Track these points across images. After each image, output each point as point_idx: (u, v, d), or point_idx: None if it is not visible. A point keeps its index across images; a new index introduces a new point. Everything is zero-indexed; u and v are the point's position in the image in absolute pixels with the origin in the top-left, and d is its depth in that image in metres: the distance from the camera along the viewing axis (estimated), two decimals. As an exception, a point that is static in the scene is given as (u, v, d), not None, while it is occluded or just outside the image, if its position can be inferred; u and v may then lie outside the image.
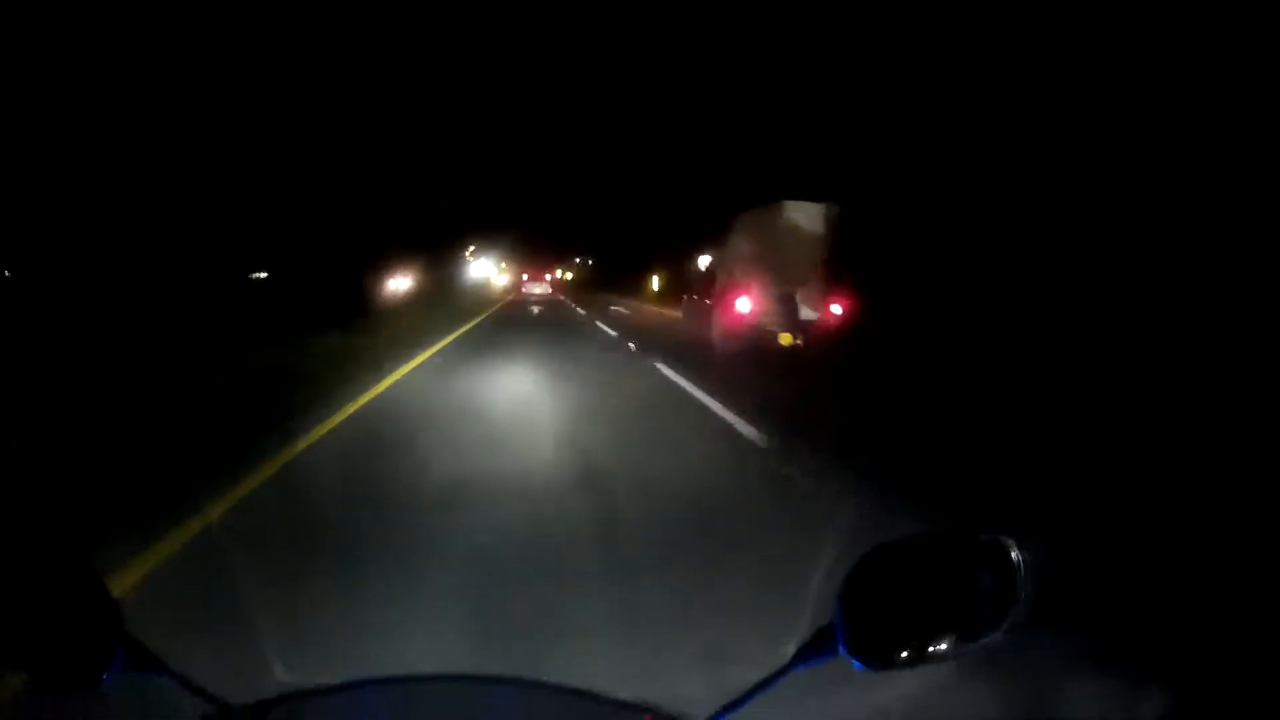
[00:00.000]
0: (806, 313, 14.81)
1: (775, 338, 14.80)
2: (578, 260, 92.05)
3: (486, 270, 54.96)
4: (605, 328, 22.12)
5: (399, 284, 29.61)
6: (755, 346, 14.56)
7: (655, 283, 45.63)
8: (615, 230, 62.64)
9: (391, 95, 30.74)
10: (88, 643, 0.99)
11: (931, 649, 1.02)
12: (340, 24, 26.07)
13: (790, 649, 1.05)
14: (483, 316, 27.19)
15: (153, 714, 1.45)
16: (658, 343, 17.06)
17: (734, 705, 1.09)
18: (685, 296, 21.16)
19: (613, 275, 60.17)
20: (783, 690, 1.05)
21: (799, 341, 14.73)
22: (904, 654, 1.01)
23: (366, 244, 24.29)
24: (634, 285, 49.71)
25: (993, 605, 1.02)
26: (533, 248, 72.81)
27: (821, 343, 14.63)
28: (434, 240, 35.98)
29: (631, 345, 16.78)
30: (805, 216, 14.86)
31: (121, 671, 0.99)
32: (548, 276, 62.20)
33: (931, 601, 1.04)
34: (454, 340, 17.44)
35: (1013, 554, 1.04)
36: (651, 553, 4.09)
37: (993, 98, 15.68)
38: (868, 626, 1.01)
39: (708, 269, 18.93)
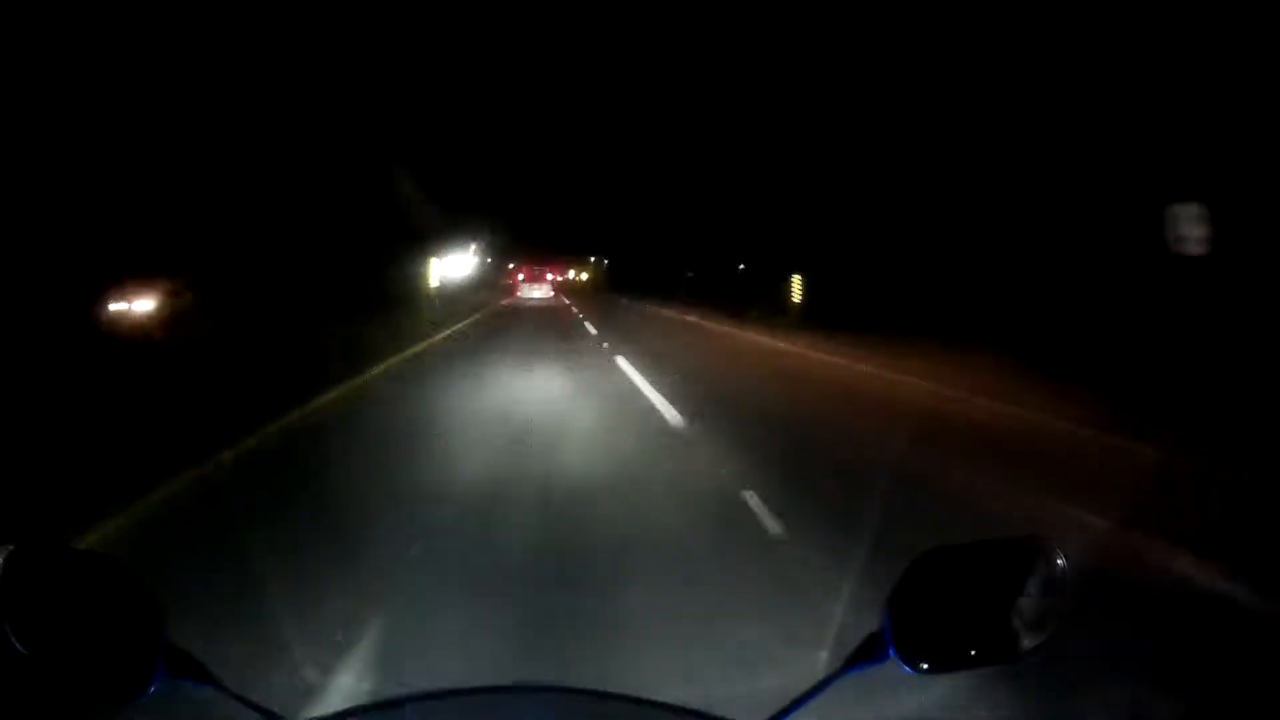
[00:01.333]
0: None
1: None
2: (592, 259, 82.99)
3: (461, 267, 38.53)
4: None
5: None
6: None
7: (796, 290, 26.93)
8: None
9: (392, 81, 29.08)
10: (133, 652, 0.97)
11: (981, 652, 1.05)
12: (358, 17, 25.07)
13: (824, 655, 0.99)
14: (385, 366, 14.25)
15: None
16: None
17: (785, 713, 1.08)
18: None
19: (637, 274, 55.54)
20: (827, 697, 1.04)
21: None
22: (954, 657, 1.05)
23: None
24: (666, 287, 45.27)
25: (1039, 607, 1.04)
26: (535, 244, 64.44)
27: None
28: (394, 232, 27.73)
29: None
30: None
31: (166, 680, 0.97)
32: (550, 277, 47.50)
33: (979, 605, 1.05)
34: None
35: (1057, 557, 1.06)
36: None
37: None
38: (917, 631, 1.03)
39: None
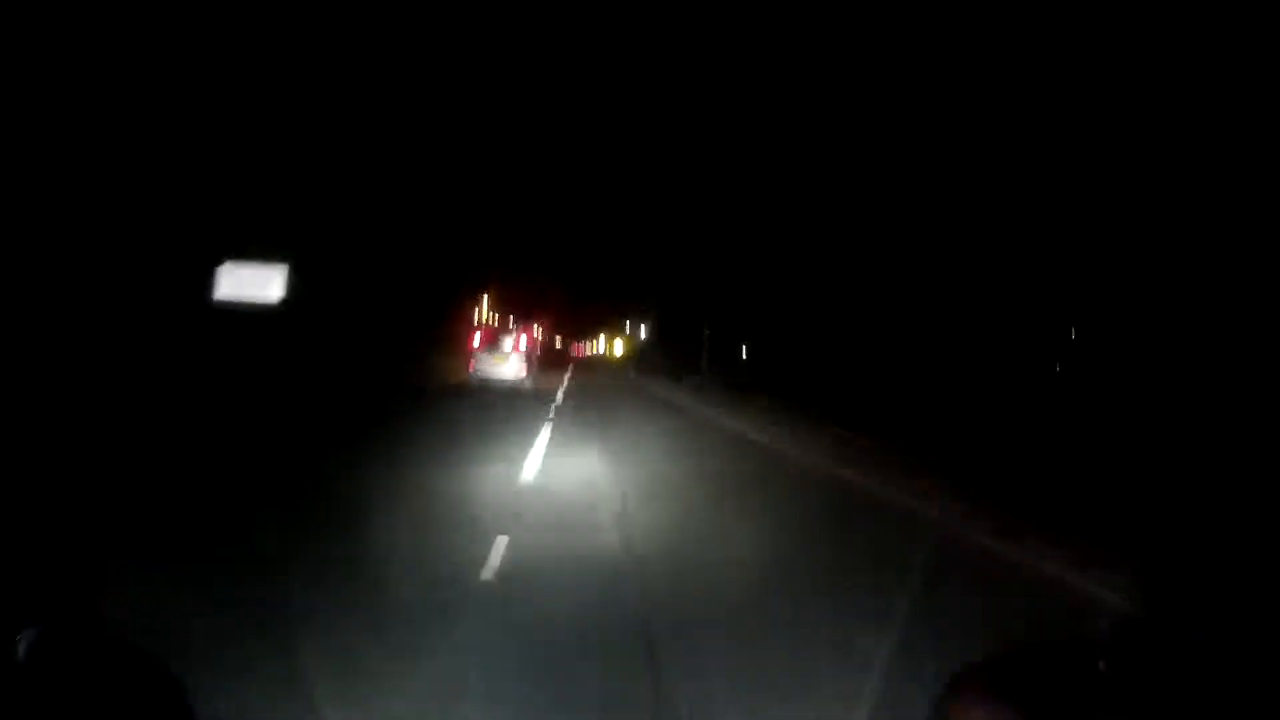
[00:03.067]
0: None
1: None
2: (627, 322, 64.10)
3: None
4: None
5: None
6: None
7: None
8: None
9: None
10: None
11: None
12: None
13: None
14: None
15: None
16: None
17: None
18: None
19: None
20: None
21: None
22: None
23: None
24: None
25: (1082, 707, 1.02)
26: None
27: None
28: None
29: None
30: None
31: None
32: (523, 341, 24.65)
33: (1025, 711, 1.03)
34: None
35: (1098, 662, 1.06)
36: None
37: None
38: None
39: None
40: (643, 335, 58.97)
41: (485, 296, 45.99)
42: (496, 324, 32.60)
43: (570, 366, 44.38)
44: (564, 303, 65.27)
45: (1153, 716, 1.02)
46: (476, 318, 40.10)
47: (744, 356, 32.12)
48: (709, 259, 35.67)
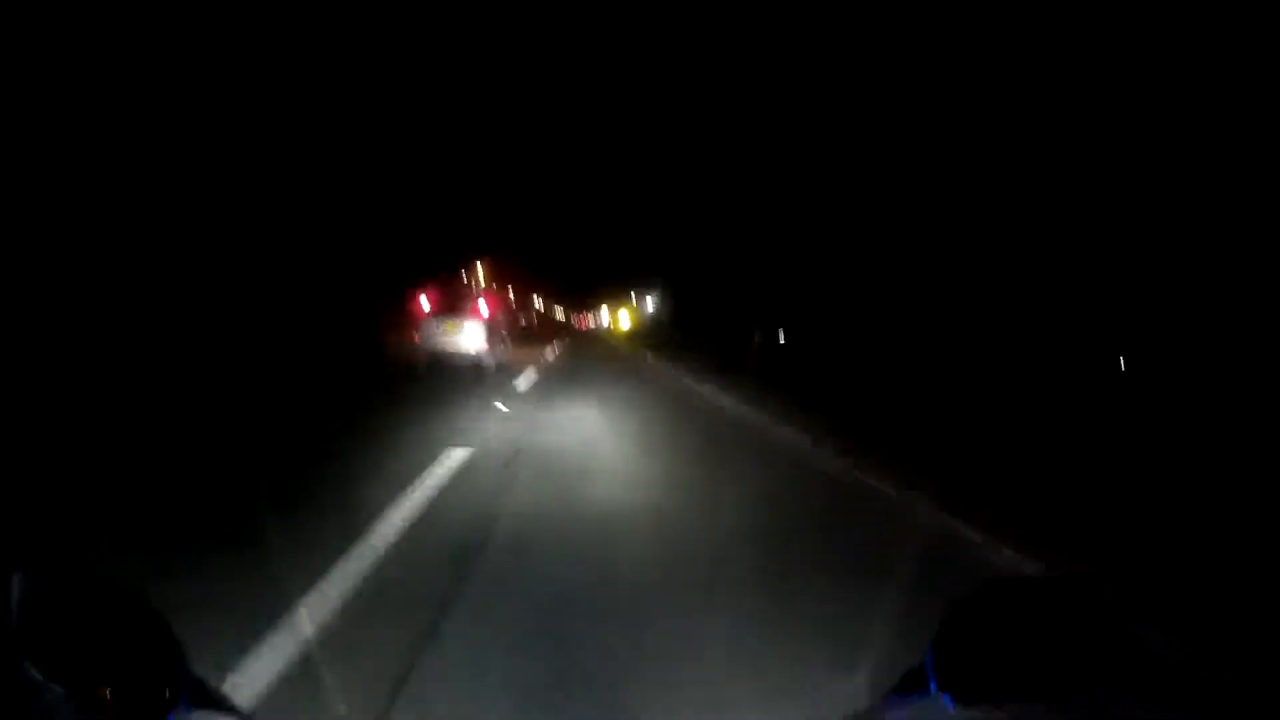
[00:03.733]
0: None
1: None
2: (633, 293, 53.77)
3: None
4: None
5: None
6: None
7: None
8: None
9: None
10: (152, 684, 0.97)
11: (1027, 690, 1.01)
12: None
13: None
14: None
15: None
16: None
17: None
18: None
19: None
20: None
21: None
22: (998, 694, 1.01)
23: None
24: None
25: (1086, 645, 1.03)
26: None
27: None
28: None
29: None
30: None
31: (186, 712, 0.98)
32: (485, 307, 16.92)
33: (1027, 643, 1.03)
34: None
35: (1107, 592, 1.08)
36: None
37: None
38: (961, 667, 1.01)
39: None
40: (649, 308, 50.10)
41: (479, 265, 39.68)
42: (457, 282, 24.20)
43: (565, 340, 36.41)
44: (568, 274, 59.54)
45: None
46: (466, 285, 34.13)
47: (780, 340, 25.34)
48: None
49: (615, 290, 55.35)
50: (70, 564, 1.00)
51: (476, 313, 16.55)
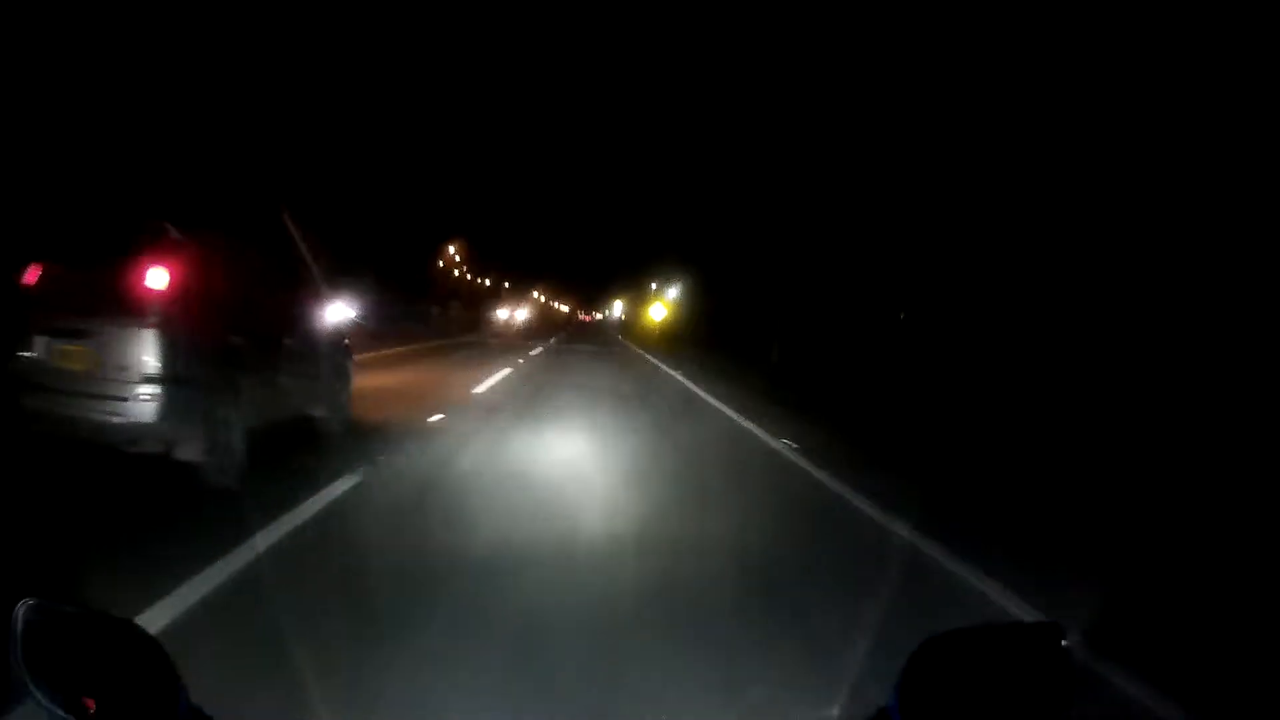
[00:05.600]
0: None
1: None
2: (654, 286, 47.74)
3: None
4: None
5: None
6: None
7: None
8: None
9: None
10: (153, 711, 0.99)
11: None
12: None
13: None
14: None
15: None
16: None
17: None
18: None
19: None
20: None
21: None
22: None
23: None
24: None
25: (1048, 690, 1.05)
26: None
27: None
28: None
29: None
30: None
31: None
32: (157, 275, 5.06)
33: (987, 690, 1.05)
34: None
35: (1063, 640, 1.09)
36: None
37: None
38: (925, 712, 1.03)
39: None
40: (657, 313, 44.66)
41: (451, 248, 37.67)
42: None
43: (541, 346, 27.15)
44: (576, 272, 59.35)
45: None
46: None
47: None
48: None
49: (626, 286, 53.20)
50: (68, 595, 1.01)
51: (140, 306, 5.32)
